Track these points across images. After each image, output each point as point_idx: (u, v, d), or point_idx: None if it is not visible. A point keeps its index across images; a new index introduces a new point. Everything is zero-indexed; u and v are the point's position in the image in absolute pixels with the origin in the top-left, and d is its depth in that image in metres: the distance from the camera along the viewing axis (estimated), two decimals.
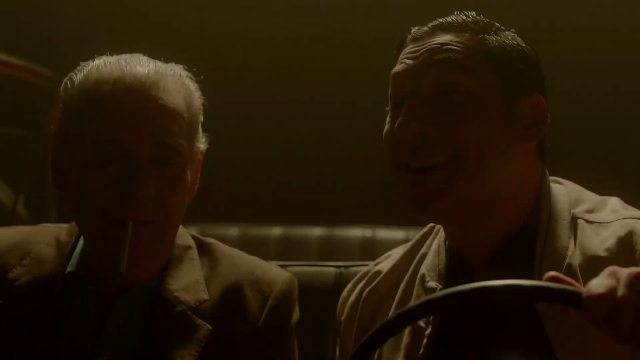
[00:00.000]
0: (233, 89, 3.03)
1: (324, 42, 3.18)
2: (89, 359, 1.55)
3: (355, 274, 1.93)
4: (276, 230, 3.02)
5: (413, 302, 1.12)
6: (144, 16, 3.16)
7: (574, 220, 1.47)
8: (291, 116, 3.21)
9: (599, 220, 1.46)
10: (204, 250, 1.67)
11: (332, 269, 1.95)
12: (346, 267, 1.96)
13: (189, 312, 1.57)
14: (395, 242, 3.01)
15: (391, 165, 1.50)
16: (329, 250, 2.95)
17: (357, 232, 3.01)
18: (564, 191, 1.52)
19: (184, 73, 1.61)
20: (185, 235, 1.68)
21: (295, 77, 3.22)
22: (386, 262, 1.67)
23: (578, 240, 1.44)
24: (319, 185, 3.18)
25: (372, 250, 2.98)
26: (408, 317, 1.12)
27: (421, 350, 1.46)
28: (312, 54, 3.20)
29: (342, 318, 1.66)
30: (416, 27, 1.53)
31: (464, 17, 1.52)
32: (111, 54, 1.63)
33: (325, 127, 3.21)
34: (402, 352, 1.49)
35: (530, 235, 1.46)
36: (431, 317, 1.47)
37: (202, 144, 1.63)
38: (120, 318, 1.57)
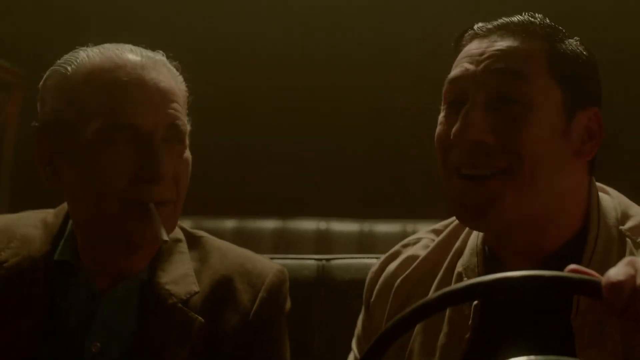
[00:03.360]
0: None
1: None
2: (80, 347, 1.55)
3: (337, 267, 1.95)
4: (229, 223, 3.01)
5: (434, 294, 1.14)
6: (141, 19, 3.11)
7: (621, 238, 1.47)
8: (245, 109, 3.20)
9: None
10: (194, 243, 1.68)
11: (314, 262, 1.95)
12: (328, 260, 1.97)
13: (180, 305, 1.57)
14: (350, 234, 3.05)
15: (442, 168, 1.49)
16: (283, 242, 2.96)
17: (311, 225, 3.03)
18: (612, 204, 1.51)
19: (164, 58, 1.64)
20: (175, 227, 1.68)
21: (245, 72, 3.21)
22: (418, 248, 1.65)
23: None
24: (273, 178, 3.18)
25: (327, 242, 3.01)
26: (430, 308, 1.14)
27: (460, 355, 1.48)
28: (281, 55, 3.19)
29: (372, 300, 1.65)
30: (480, 24, 1.50)
31: (531, 19, 1.49)
32: None
33: (280, 122, 3.21)
34: (437, 354, 1.51)
35: (576, 251, 1.46)
36: (469, 322, 1.48)
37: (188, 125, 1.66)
38: (112, 308, 1.57)
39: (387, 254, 1.70)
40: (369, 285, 1.69)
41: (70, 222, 1.64)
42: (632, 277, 1.09)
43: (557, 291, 1.13)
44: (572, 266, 1.13)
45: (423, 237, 1.69)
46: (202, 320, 1.57)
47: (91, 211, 1.55)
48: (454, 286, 1.15)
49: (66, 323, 1.57)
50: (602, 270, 1.40)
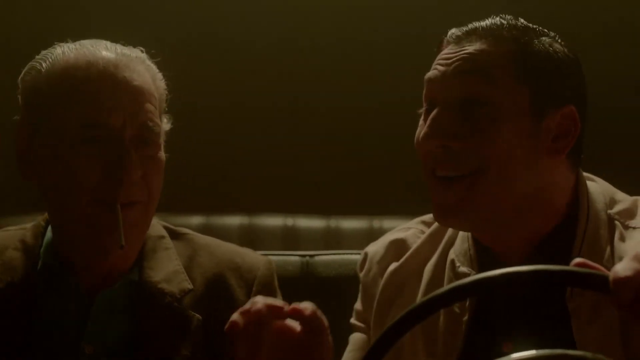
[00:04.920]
0: None
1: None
2: (73, 353, 1.54)
3: (322, 262, 1.96)
4: (195, 220, 2.99)
5: (443, 288, 1.15)
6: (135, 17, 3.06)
7: (610, 221, 1.52)
8: (211, 106, 3.18)
9: (634, 226, 1.51)
10: (179, 239, 1.69)
11: (297, 258, 1.96)
12: (311, 256, 1.97)
13: (176, 304, 1.57)
14: (317, 230, 3.05)
15: (423, 170, 1.53)
16: (249, 239, 2.95)
17: (278, 221, 3.03)
18: (599, 189, 1.55)
19: (144, 55, 1.63)
20: (156, 225, 1.68)
21: (217, 70, 3.19)
22: (408, 235, 1.69)
23: (615, 244, 1.49)
24: (239, 174, 3.17)
25: (294, 239, 3.01)
26: (438, 303, 1.15)
27: (461, 337, 1.50)
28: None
29: (363, 279, 1.71)
30: (453, 29, 1.54)
31: (501, 21, 1.53)
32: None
33: (246, 119, 3.20)
34: (440, 340, 1.52)
35: (567, 236, 1.51)
36: (467, 303, 1.51)
37: (165, 124, 1.65)
38: (103, 310, 1.56)
39: (375, 241, 1.73)
40: (359, 268, 1.74)
41: (49, 227, 1.63)
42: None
43: (564, 285, 1.14)
44: (579, 260, 1.15)
45: (412, 227, 1.72)
46: (200, 318, 1.57)
47: (62, 211, 1.55)
48: (462, 281, 1.16)
49: (57, 329, 1.55)
50: (594, 251, 1.47)
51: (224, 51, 3.12)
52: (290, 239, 2.99)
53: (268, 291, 1.66)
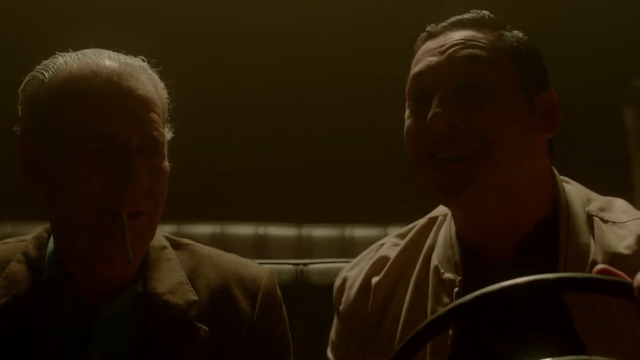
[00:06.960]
0: None
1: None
2: None
3: (316, 271, 1.96)
4: (167, 228, 2.96)
5: (466, 297, 1.15)
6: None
7: (589, 217, 1.55)
8: (183, 112, 3.17)
9: (613, 220, 1.54)
10: (181, 250, 1.67)
11: (292, 267, 1.96)
12: (305, 264, 1.98)
13: (182, 316, 1.56)
14: (288, 239, 3.06)
15: (414, 158, 1.55)
16: (220, 248, 2.93)
17: (249, 230, 3.03)
18: (575, 190, 1.60)
19: (146, 64, 1.62)
20: (157, 234, 1.66)
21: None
22: (386, 249, 1.70)
23: (597, 238, 1.51)
24: (210, 182, 3.17)
25: (265, 247, 3.02)
26: (460, 312, 1.16)
27: (449, 337, 1.51)
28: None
29: (343, 307, 1.69)
30: (432, 25, 1.58)
31: (479, 14, 1.58)
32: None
33: (215, 126, 3.20)
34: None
35: (551, 232, 1.52)
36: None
37: (168, 133, 1.64)
38: (108, 322, 1.54)
39: (350, 263, 1.75)
40: (337, 294, 1.73)
41: (51, 239, 1.61)
42: None
43: (588, 292, 1.16)
44: (601, 266, 1.16)
45: (386, 241, 1.73)
46: (207, 329, 1.56)
47: (67, 220, 1.53)
48: (486, 289, 1.16)
49: (62, 343, 1.54)
50: (579, 248, 1.49)
51: (204, 60, 3.13)
52: (261, 248, 3.00)
53: (272, 301, 1.65)
